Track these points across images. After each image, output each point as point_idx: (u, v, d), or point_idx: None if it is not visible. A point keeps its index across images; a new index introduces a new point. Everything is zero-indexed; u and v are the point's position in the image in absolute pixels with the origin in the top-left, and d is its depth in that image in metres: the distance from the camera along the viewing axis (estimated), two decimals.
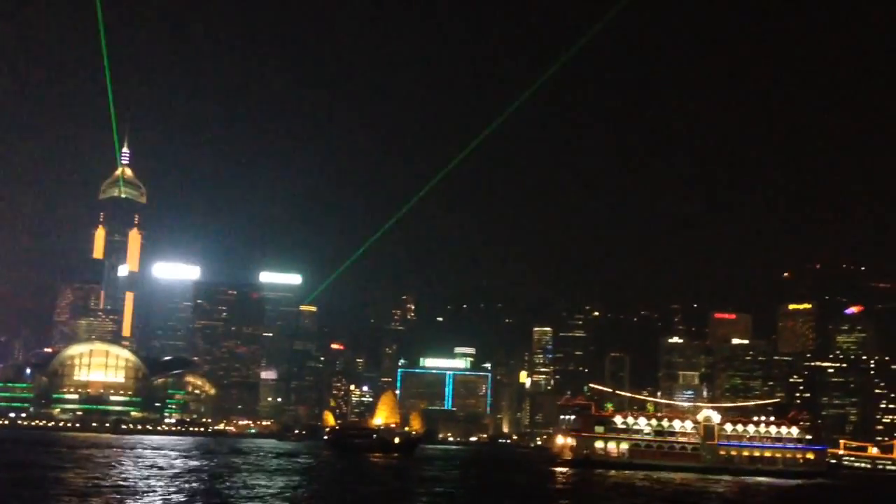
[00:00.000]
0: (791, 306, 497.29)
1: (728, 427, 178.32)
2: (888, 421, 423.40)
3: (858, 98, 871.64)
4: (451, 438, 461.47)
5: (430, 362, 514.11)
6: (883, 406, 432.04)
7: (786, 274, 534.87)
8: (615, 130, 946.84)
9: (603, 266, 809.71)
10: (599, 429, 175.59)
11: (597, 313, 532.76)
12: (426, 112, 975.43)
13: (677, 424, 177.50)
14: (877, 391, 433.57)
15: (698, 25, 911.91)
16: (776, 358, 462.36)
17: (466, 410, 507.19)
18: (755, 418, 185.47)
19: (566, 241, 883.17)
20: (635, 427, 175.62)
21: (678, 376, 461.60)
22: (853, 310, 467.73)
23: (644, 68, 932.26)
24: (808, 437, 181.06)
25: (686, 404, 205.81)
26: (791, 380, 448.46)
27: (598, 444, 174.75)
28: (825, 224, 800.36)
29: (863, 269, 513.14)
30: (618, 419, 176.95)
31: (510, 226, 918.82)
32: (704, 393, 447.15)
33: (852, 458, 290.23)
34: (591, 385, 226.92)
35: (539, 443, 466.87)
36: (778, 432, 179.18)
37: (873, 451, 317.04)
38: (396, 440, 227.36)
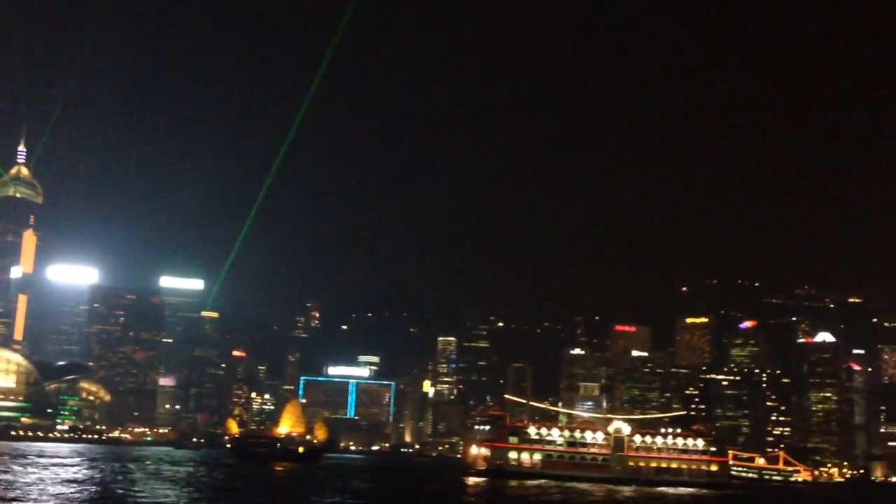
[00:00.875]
0: (688, 320, 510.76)
1: (637, 439, 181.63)
2: (778, 432, 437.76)
3: (755, 116, 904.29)
4: (352, 447, 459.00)
5: (333, 370, 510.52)
6: (773, 418, 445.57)
7: (684, 288, 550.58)
8: (521, 140, 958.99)
9: (508, 278, 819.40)
10: (513, 439, 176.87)
11: (501, 324, 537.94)
12: (341, 113, 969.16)
13: (589, 436, 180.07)
14: (768, 403, 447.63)
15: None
16: (674, 370, 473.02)
17: (369, 419, 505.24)
18: (662, 430, 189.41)
19: (472, 252, 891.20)
20: (548, 438, 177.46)
21: (579, 387, 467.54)
22: (747, 324, 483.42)
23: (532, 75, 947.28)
24: (713, 448, 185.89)
25: (597, 416, 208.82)
26: (687, 392, 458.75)
27: (512, 455, 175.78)
28: (723, 241, 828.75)
29: (757, 285, 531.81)
30: (531, 430, 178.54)
31: (417, 236, 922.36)
32: (604, 404, 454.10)
33: (741, 469, 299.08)
34: (507, 396, 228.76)
35: (441, 451, 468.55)
36: (684, 444, 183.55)
37: (760, 461, 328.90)
38: (301, 449, 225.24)
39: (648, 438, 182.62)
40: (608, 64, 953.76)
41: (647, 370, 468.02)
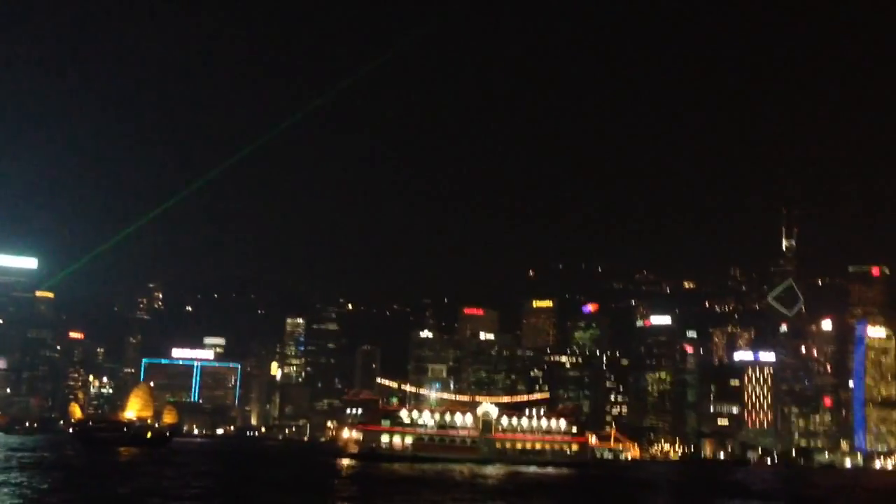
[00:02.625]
0: (535, 303, 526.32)
1: (504, 420, 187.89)
2: (616, 412, 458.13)
3: (597, 103, 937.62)
4: (196, 431, 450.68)
5: (176, 353, 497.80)
6: (612, 398, 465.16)
7: (531, 272, 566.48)
8: (369, 122, 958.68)
9: (357, 259, 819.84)
10: (386, 422, 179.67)
11: (350, 306, 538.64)
12: (188, 112, 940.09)
13: (459, 418, 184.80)
14: (607, 384, 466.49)
15: None
16: (520, 353, 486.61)
17: (214, 402, 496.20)
18: (528, 412, 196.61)
19: (321, 233, 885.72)
20: (420, 421, 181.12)
21: (427, 369, 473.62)
22: (589, 308, 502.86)
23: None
24: (574, 429, 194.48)
25: (468, 399, 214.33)
26: (532, 373, 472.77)
27: (384, 438, 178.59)
28: (568, 226, 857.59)
29: (599, 269, 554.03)
30: (403, 413, 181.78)
31: (263, 216, 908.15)
32: (451, 386, 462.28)
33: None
34: (380, 380, 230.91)
35: (288, 434, 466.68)
36: (548, 426, 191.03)
37: (592, 440, 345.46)
38: (149, 434, 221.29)
39: (515, 420, 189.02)
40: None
41: (494, 353, 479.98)
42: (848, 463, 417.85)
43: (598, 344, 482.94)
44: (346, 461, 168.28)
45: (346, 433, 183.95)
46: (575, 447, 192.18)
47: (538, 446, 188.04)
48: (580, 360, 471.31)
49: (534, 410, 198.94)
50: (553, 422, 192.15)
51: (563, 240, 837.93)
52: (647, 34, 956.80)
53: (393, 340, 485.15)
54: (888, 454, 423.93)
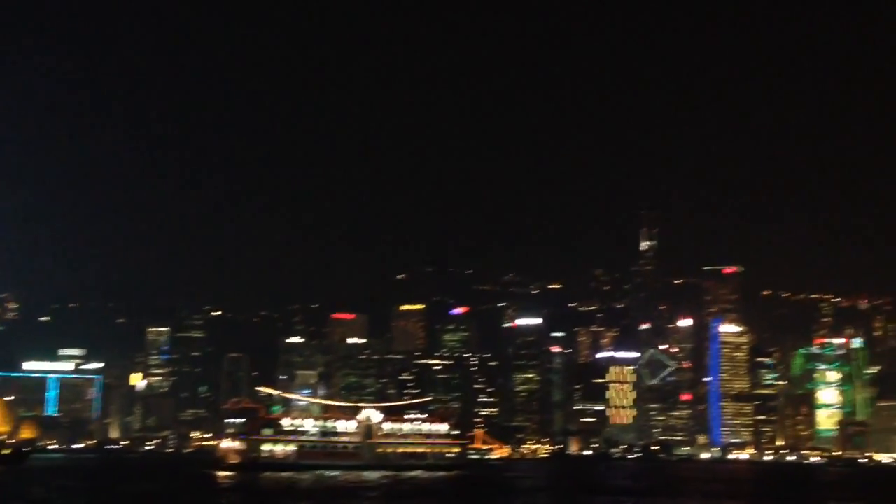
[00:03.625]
0: (404, 307, 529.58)
1: (386, 426, 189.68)
2: (485, 413, 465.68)
3: (465, 107, 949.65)
4: (53, 446, 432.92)
5: (30, 365, 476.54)
6: (481, 400, 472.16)
7: (400, 276, 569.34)
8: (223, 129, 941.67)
9: (223, 266, 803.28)
10: (268, 431, 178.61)
11: (216, 313, 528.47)
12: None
13: (341, 425, 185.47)
14: (476, 386, 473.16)
15: None
16: (389, 356, 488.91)
17: (71, 416, 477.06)
18: (409, 416, 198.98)
19: (184, 239, 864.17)
20: (302, 429, 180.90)
21: (297, 376, 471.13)
22: (459, 310, 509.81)
23: None
24: (455, 433, 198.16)
25: (349, 405, 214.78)
26: (402, 377, 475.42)
27: (266, 447, 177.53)
28: (438, 229, 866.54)
29: (468, 272, 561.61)
30: (285, 421, 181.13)
31: (124, 221, 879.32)
32: (321, 391, 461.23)
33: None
34: (259, 388, 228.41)
35: (152, 447, 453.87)
36: (430, 430, 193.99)
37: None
38: (6, 451, 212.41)
39: (397, 425, 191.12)
40: None
41: (363, 357, 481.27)
42: (705, 455, 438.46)
43: (468, 346, 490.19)
44: (224, 472, 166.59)
45: (226, 443, 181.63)
46: (456, 450, 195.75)
47: (420, 450, 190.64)
48: (450, 362, 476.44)
49: (415, 414, 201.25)
50: (434, 426, 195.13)
51: (431, 243, 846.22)
52: (498, 34, 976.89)
53: (261, 347, 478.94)
54: (742, 446, 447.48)
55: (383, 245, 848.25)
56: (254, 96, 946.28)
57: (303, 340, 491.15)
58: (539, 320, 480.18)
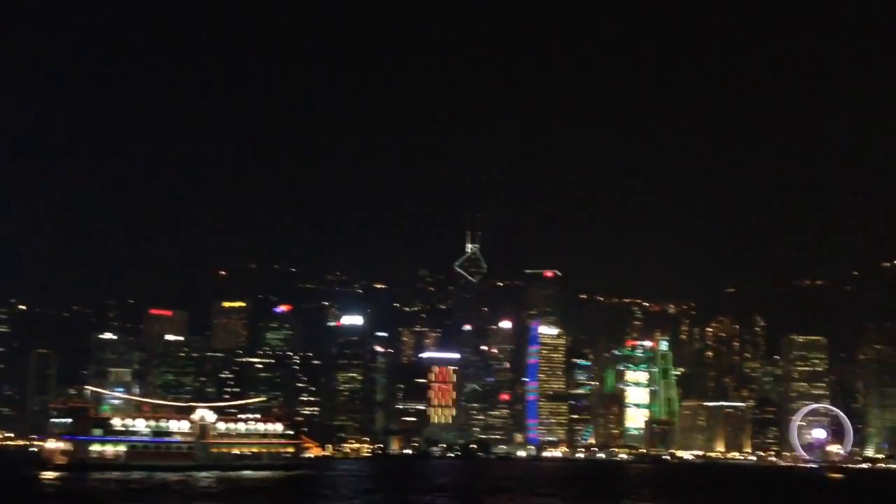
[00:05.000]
0: (225, 304, 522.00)
1: (221, 426, 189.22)
2: (307, 412, 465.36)
3: (295, 109, 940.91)
4: None
5: None
6: (303, 399, 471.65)
7: (222, 272, 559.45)
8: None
9: (30, 256, 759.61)
10: (97, 431, 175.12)
11: (23, 307, 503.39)
12: None
13: (174, 425, 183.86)
14: (299, 385, 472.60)
15: None
16: (209, 354, 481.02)
17: None
18: (245, 416, 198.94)
19: None
20: (134, 429, 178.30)
21: (110, 373, 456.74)
22: (282, 308, 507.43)
23: None
24: (290, 432, 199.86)
25: (182, 404, 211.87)
26: (222, 375, 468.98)
27: (95, 448, 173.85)
28: (260, 226, 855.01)
29: (293, 270, 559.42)
30: (116, 421, 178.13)
31: None
32: (136, 389, 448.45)
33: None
34: (88, 387, 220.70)
35: None
36: (265, 429, 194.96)
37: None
38: None
39: (232, 425, 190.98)
40: None
41: (182, 354, 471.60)
42: (522, 453, 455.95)
43: (291, 344, 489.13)
44: (50, 473, 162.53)
45: (52, 444, 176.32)
46: (291, 449, 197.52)
47: (254, 450, 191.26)
48: (272, 360, 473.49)
49: (250, 414, 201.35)
50: (269, 426, 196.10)
51: (255, 240, 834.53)
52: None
53: (72, 343, 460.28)
54: (557, 444, 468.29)
55: (205, 240, 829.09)
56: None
57: (117, 337, 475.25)
58: (363, 320, 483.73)
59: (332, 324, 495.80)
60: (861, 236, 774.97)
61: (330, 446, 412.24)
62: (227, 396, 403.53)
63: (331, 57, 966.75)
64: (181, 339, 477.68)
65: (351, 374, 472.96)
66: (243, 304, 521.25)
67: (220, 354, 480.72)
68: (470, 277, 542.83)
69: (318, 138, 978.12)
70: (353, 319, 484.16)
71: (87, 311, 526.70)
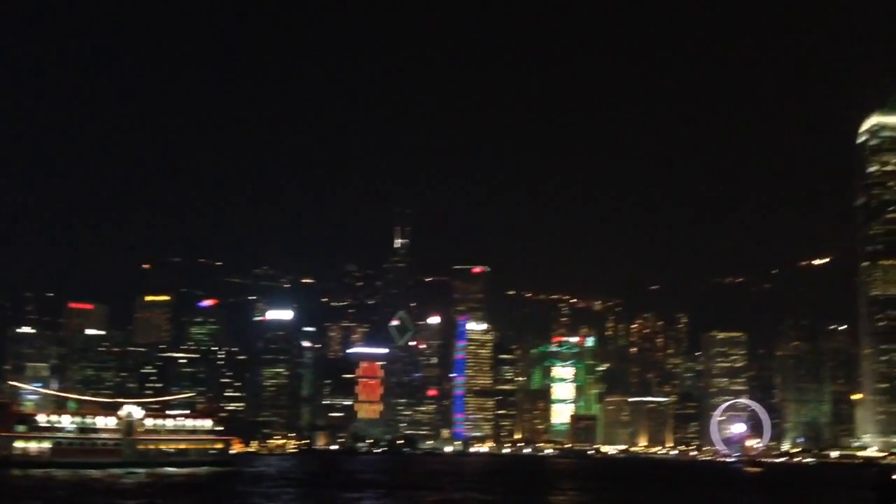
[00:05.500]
0: (148, 297, 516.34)
1: (149, 422, 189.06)
2: (232, 408, 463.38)
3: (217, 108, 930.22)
4: None
5: None
6: (228, 394, 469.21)
7: (146, 266, 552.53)
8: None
9: None
10: (21, 428, 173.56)
11: None
12: None
13: (101, 421, 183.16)
14: (223, 380, 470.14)
15: None
16: (131, 348, 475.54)
17: None
18: (173, 413, 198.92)
19: None
20: (59, 425, 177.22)
21: (26, 368, 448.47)
22: (207, 303, 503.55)
23: None
24: (219, 429, 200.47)
25: (109, 400, 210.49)
26: (144, 370, 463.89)
27: (19, 444, 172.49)
28: (186, 218, 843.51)
29: (218, 264, 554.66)
30: (40, 417, 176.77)
31: None
32: (55, 385, 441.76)
33: None
34: (10, 383, 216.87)
35: None
36: (194, 426, 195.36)
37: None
38: None
39: (160, 421, 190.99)
40: None
41: (102, 349, 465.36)
42: (448, 448, 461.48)
43: (215, 339, 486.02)
44: None
45: None
46: (219, 446, 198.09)
47: (182, 446, 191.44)
48: (196, 355, 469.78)
49: (179, 411, 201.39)
50: (197, 422, 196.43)
51: (180, 233, 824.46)
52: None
53: None
54: (483, 439, 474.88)
55: (129, 233, 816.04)
56: None
57: (35, 331, 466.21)
58: (290, 314, 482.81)
59: (258, 318, 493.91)
60: (780, 236, 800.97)
61: (255, 442, 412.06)
62: (149, 392, 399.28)
63: (251, 53, 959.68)
64: (102, 333, 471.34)
65: (277, 370, 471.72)
66: (167, 298, 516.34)
67: (142, 349, 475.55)
68: (398, 273, 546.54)
69: (245, 132, 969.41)
70: (280, 314, 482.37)
71: (3, 305, 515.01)
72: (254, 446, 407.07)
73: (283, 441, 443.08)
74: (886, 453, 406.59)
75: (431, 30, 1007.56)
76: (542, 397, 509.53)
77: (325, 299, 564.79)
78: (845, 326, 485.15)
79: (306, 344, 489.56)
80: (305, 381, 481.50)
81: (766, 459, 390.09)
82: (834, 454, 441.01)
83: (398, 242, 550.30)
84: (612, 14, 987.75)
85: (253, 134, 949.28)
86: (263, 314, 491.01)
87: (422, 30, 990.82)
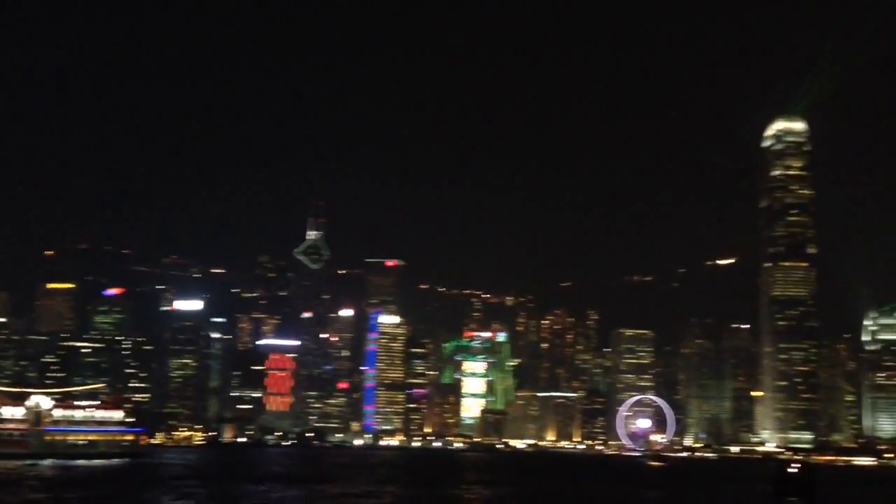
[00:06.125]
0: (51, 285, 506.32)
1: (57, 413, 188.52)
2: (137, 399, 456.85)
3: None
4: None
5: None
6: (133, 385, 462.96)
7: (49, 252, 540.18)
8: None
9: None
10: None
11: None
12: None
13: (7, 411, 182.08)
14: (128, 371, 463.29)
15: None
16: (31, 337, 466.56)
17: None
18: (84, 403, 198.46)
19: None
20: None
21: None
22: (113, 291, 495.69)
23: None
24: (131, 420, 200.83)
25: (16, 390, 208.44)
26: (45, 359, 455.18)
27: None
28: (91, 204, 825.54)
29: (126, 252, 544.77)
30: None
31: None
32: None
33: None
34: None
35: None
36: (104, 417, 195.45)
37: None
38: None
39: (69, 412, 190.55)
40: None
41: (2, 336, 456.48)
42: (358, 441, 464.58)
43: (121, 328, 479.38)
44: None
45: None
46: (130, 437, 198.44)
47: (92, 438, 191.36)
48: (100, 345, 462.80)
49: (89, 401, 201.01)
50: (107, 413, 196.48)
51: (85, 220, 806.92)
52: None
53: None
54: (393, 433, 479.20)
55: (32, 219, 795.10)
56: None
57: None
58: (199, 305, 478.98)
59: (166, 308, 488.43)
60: (689, 237, 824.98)
61: (160, 434, 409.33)
62: (49, 382, 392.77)
63: (154, 39, 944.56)
64: (2, 320, 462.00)
65: (184, 360, 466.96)
66: (71, 286, 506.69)
67: (43, 338, 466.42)
68: (311, 264, 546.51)
69: (157, 118, 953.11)
70: (189, 304, 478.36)
71: None
72: (159, 438, 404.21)
73: (190, 433, 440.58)
74: (784, 448, 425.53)
75: (333, 22, 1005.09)
76: (453, 391, 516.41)
77: (237, 290, 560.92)
78: (748, 325, 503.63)
79: (215, 335, 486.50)
80: (214, 373, 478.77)
81: (669, 454, 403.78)
82: (734, 449, 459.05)
83: (312, 234, 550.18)
84: (501, 13, 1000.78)
85: (165, 120, 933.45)
86: (172, 304, 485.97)
87: (323, 20, 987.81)
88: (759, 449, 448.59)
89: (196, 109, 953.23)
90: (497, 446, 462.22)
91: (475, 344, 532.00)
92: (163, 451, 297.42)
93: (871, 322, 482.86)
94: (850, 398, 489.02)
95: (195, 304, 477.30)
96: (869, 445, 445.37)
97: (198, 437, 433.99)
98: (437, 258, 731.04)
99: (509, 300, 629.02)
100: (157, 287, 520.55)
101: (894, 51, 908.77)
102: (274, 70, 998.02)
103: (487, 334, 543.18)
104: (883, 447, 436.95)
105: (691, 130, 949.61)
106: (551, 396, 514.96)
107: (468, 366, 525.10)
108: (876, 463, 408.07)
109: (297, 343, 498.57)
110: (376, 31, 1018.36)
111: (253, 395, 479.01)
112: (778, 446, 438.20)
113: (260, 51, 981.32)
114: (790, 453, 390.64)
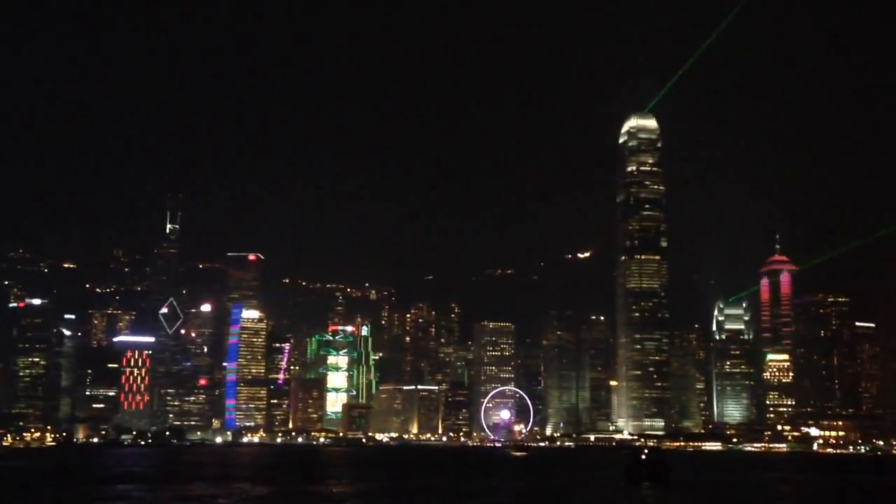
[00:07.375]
0: None
1: None
2: None
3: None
4: None
5: None
6: None
7: None
8: None
9: None
10: None
11: None
12: None
13: None
14: None
15: None
16: None
17: None
18: None
19: None
20: None
21: None
22: None
23: None
24: None
25: None
26: None
27: None
28: None
29: None
30: None
31: None
32: None
33: None
34: None
35: None
36: None
37: None
38: None
39: None
40: None
41: None
42: (219, 439, 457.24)
43: None
44: None
45: None
46: None
47: None
48: None
49: None
50: None
51: None
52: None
53: None
54: (255, 429, 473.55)
55: None
56: None
57: None
58: (48, 301, 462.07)
59: (13, 305, 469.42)
60: (549, 230, 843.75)
61: (8, 436, 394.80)
62: None
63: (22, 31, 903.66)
64: None
65: (33, 359, 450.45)
66: None
67: None
68: (169, 259, 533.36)
69: (7, 105, 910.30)
70: (38, 300, 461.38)
71: None
72: (7, 440, 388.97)
73: (39, 434, 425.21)
74: (638, 436, 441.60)
75: (202, 20, 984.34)
76: (317, 386, 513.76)
77: (89, 285, 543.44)
78: (604, 317, 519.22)
79: (66, 332, 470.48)
80: (66, 371, 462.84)
81: (530, 444, 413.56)
82: (591, 437, 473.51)
83: (169, 227, 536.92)
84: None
85: (15, 108, 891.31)
86: (20, 300, 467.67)
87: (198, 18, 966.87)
88: (616, 437, 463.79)
89: (50, 97, 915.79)
90: (361, 440, 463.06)
91: (338, 338, 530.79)
92: (10, 454, 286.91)
93: (718, 313, 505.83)
94: (700, 386, 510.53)
95: (44, 300, 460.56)
96: (717, 431, 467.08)
97: (49, 439, 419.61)
98: (299, 253, 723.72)
99: (372, 294, 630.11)
100: (4, 283, 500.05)
101: (744, 58, 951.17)
102: (128, 59, 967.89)
103: (350, 328, 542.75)
104: (730, 432, 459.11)
105: (552, 125, 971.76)
106: (415, 389, 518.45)
107: (331, 360, 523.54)
108: (723, 448, 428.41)
109: (154, 339, 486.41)
110: (208, 19, 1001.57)
111: (108, 393, 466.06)
112: (632, 434, 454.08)
113: (114, 41, 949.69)
114: (644, 440, 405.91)
